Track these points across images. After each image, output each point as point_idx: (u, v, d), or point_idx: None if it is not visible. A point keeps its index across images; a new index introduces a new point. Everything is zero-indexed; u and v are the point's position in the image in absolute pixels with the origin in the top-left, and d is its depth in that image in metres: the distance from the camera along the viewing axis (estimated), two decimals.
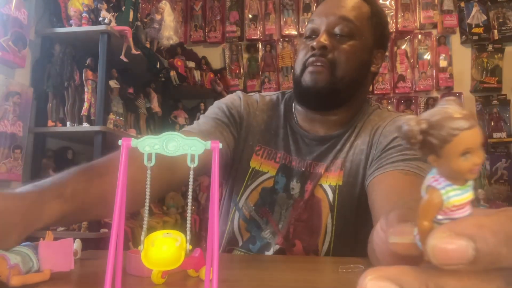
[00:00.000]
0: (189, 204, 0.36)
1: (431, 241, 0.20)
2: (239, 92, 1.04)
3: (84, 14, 1.90)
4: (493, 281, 0.20)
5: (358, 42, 0.91)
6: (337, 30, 0.91)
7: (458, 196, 0.22)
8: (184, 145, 0.33)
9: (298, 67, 0.94)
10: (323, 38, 0.90)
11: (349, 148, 0.93)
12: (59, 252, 0.55)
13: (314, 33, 0.93)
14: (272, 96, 1.05)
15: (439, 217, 0.22)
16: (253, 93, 1.07)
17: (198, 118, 0.98)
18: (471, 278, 0.20)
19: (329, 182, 0.92)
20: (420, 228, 0.22)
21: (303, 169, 0.94)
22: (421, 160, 0.82)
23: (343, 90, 0.92)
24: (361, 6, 0.94)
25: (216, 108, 0.98)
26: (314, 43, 0.90)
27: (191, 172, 0.36)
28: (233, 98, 1.01)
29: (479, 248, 0.19)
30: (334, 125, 0.96)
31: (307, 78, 0.91)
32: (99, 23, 1.89)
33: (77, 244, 0.72)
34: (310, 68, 0.90)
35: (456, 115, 0.21)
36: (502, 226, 0.20)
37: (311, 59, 0.90)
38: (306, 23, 1.02)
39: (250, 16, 2.96)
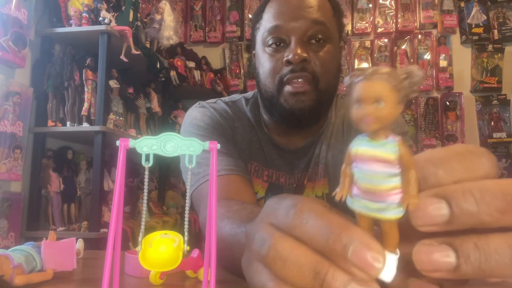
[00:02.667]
0: (187, 204, 0.36)
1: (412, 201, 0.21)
2: (206, 105, 0.92)
3: (84, 14, 1.90)
4: None
5: (332, 45, 0.83)
6: (310, 36, 0.80)
7: (361, 146, 0.23)
8: (182, 145, 0.33)
9: (270, 83, 0.82)
10: (300, 50, 0.78)
11: (327, 149, 0.89)
12: (62, 252, 0.55)
13: (282, 41, 0.81)
14: (237, 103, 0.94)
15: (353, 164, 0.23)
16: (213, 100, 0.95)
17: None
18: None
19: (315, 193, 0.87)
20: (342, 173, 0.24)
21: (295, 185, 0.89)
22: None
23: (326, 102, 0.85)
24: (324, 2, 0.84)
25: (215, 136, 0.86)
26: (290, 57, 0.78)
27: (189, 172, 0.36)
28: (210, 118, 0.89)
29: (454, 207, 0.21)
30: (311, 133, 0.89)
31: (290, 100, 0.79)
32: (99, 23, 1.89)
33: (79, 244, 0.72)
34: (291, 88, 0.79)
35: (362, 70, 0.23)
36: (474, 187, 0.22)
37: (290, 75, 0.78)
38: (260, 24, 0.87)
39: (250, 16, 2.96)
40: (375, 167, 0.22)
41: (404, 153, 0.22)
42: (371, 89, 0.22)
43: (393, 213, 0.22)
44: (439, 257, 0.21)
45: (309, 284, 0.24)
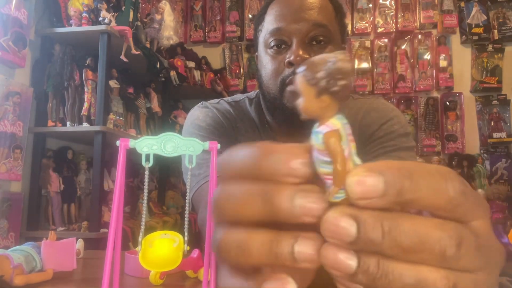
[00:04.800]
0: (187, 204, 0.36)
1: (350, 178, 0.22)
2: (208, 105, 0.92)
3: (84, 14, 1.90)
4: (446, 230, 0.22)
5: (334, 47, 0.84)
6: (312, 38, 0.81)
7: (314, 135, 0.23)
8: (182, 145, 0.33)
9: (272, 84, 0.83)
10: (301, 51, 0.79)
11: None
12: (62, 252, 0.56)
13: (284, 43, 0.82)
14: (240, 103, 0.94)
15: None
16: (216, 100, 0.95)
17: None
18: (426, 224, 0.22)
19: None
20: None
21: None
22: (402, 149, 0.82)
23: None
24: (326, 4, 0.85)
25: (217, 138, 0.85)
26: (292, 58, 0.79)
27: (189, 172, 0.36)
28: (213, 118, 0.88)
29: (387, 180, 0.21)
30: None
31: (292, 99, 0.79)
32: (99, 23, 1.89)
33: (79, 244, 0.72)
34: (294, 88, 0.79)
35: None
36: (405, 164, 0.22)
37: (292, 76, 0.79)
38: (262, 26, 0.88)
39: (250, 16, 2.96)
40: (314, 153, 0.23)
41: (328, 145, 0.22)
42: (295, 83, 0.24)
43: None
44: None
45: (258, 210, 0.23)
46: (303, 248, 0.23)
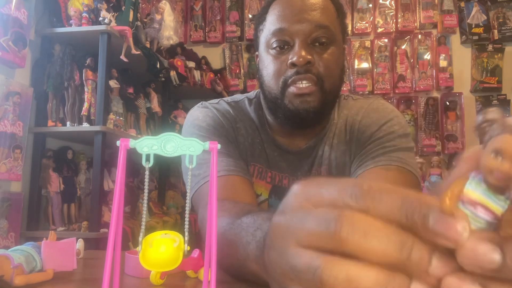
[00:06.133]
0: (188, 204, 0.36)
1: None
2: (208, 106, 0.92)
3: (84, 14, 1.90)
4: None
5: (335, 47, 0.84)
6: (314, 39, 0.81)
7: (475, 191, 0.23)
8: (182, 145, 0.33)
9: (274, 85, 0.83)
10: (304, 52, 0.79)
11: (330, 150, 0.89)
12: (62, 252, 0.56)
13: (287, 44, 0.82)
14: (240, 104, 0.94)
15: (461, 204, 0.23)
16: (215, 100, 0.95)
17: None
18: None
19: None
20: (442, 202, 0.23)
21: None
22: (401, 149, 0.82)
23: (330, 102, 0.85)
24: (327, 4, 0.85)
25: (216, 137, 0.85)
26: (295, 59, 0.79)
27: (190, 172, 0.36)
28: (212, 118, 0.89)
29: None
30: (313, 135, 0.90)
31: (295, 100, 0.80)
32: (99, 23, 1.89)
33: (79, 244, 0.72)
34: (295, 89, 0.79)
35: (503, 119, 0.24)
36: None
37: (295, 77, 0.79)
38: (263, 26, 0.87)
39: (250, 16, 2.96)
40: (489, 215, 0.23)
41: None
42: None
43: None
44: (484, 251, 0.21)
45: (393, 258, 0.22)
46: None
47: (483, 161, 0.23)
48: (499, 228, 0.22)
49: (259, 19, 0.89)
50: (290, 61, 0.80)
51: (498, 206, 0.23)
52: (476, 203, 0.23)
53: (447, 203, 0.23)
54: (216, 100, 0.95)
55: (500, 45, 2.68)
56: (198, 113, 0.90)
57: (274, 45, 0.83)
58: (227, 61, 2.96)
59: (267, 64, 0.85)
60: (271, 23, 0.84)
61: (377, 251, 0.22)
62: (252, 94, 0.97)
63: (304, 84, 0.79)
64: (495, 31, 2.69)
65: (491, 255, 0.20)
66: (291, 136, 0.90)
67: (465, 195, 0.23)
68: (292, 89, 0.80)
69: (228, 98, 0.96)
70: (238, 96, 0.97)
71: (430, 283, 0.22)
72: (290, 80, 0.80)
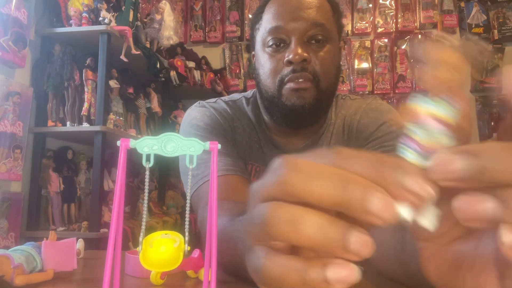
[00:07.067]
0: (188, 204, 0.36)
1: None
2: (206, 105, 0.92)
3: (84, 14, 1.90)
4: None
5: (331, 46, 0.84)
6: (310, 37, 0.81)
7: (422, 105, 0.24)
8: (183, 145, 0.33)
9: (271, 83, 0.83)
10: (300, 50, 0.79)
11: None
12: (62, 252, 0.56)
13: (283, 42, 0.82)
14: (237, 103, 0.94)
15: None
16: (213, 100, 0.95)
17: None
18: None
19: None
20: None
21: None
22: None
23: (326, 101, 0.85)
24: (323, 3, 0.85)
25: (214, 137, 0.85)
26: (291, 57, 0.79)
27: (190, 172, 0.36)
28: (210, 118, 0.88)
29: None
30: (310, 134, 0.90)
31: (291, 97, 0.80)
32: (99, 23, 1.89)
33: (80, 244, 0.72)
34: (292, 85, 0.80)
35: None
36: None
37: (291, 75, 0.80)
38: (259, 25, 0.88)
39: (250, 16, 2.96)
40: (427, 121, 0.24)
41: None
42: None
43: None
44: (481, 203, 0.20)
45: (335, 197, 0.22)
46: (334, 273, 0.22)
47: (421, 76, 0.24)
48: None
49: (255, 18, 0.90)
50: (286, 59, 0.80)
51: (447, 115, 0.23)
52: (426, 116, 0.23)
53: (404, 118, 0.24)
54: (213, 100, 0.95)
55: (500, 45, 2.68)
56: (196, 113, 0.90)
57: (270, 43, 0.83)
58: (227, 61, 2.96)
59: (263, 62, 0.85)
60: (267, 22, 0.85)
61: (320, 191, 0.22)
62: (249, 93, 0.97)
63: (300, 82, 0.80)
64: (495, 31, 2.69)
65: (459, 160, 0.21)
66: (288, 136, 0.90)
67: (414, 112, 0.24)
68: (288, 85, 0.80)
69: (226, 98, 0.97)
70: (235, 96, 0.97)
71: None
72: (286, 79, 0.80)
